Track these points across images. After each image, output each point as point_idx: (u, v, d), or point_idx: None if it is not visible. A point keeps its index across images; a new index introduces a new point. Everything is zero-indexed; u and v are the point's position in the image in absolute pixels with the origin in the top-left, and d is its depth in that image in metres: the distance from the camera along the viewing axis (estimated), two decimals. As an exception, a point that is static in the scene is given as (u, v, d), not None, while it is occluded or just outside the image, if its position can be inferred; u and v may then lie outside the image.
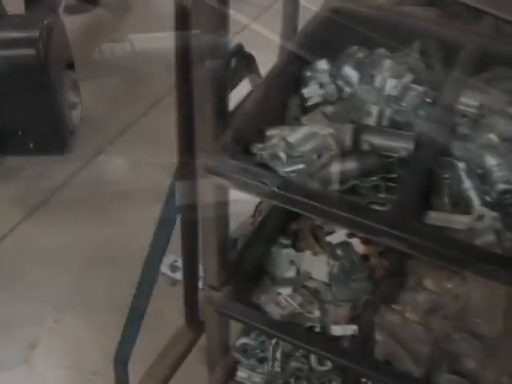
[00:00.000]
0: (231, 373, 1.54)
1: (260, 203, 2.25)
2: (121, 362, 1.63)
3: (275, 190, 1.01)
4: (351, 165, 1.05)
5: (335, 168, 1.06)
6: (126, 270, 2.20)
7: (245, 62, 1.62)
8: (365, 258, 1.38)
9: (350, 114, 1.12)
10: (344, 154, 1.07)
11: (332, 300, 1.34)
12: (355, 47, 1.28)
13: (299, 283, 1.35)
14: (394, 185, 1.06)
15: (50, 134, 2.70)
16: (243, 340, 1.52)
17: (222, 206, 1.25)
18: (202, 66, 1.03)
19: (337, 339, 1.31)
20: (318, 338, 1.29)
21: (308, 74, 1.21)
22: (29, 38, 2.43)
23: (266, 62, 1.59)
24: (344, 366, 1.27)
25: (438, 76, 1.20)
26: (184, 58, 1.15)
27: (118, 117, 2.89)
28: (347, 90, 1.21)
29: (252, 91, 1.17)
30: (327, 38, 1.27)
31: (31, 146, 2.70)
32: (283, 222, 1.43)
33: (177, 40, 1.11)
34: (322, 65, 1.21)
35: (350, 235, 1.41)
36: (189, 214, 1.43)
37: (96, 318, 2.14)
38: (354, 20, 1.29)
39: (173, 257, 1.97)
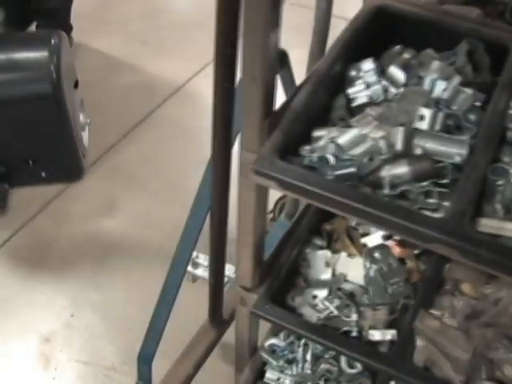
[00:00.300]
0: (259, 374, 1.51)
1: (280, 199, 2.23)
2: (145, 359, 1.61)
3: (326, 194, 0.98)
4: (403, 169, 1.02)
5: (386, 172, 1.03)
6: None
7: (278, 57, 1.59)
8: (400, 260, 1.35)
9: (399, 116, 1.09)
10: (395, 158, 1.04)
11: (368, 303, 1.31)
12: (398, 46, 1.25)
13: (335, 286, 1.32)
14: (445, 190, 1.03)
15: (64, 160, 2.50)
16: (272, 341, 1.50)
17: (261, 206, 1.22)
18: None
19: (374, 344, 1.28)
20: (356, 342, 1.27)
21: (353, 73, 1.18)
22: (39, 58, 2.26)
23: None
24: (382, 371, 1.25)
25: (486, 78, 1.17)
26: (225, 53, 1.13)
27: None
28: (392, 90, 1.17)
29: (298, 90, 1.14)
30: (371, 37, 1.24)
31: (43, 175, 2.49)
32: (317, 223, 1.40)
33: (218, 32, 1.08)
34: (368, 64, 1.18)
35: (386, 237, 1.38)
36: (219, 212, 1.41)
37: (113, 312, 2.11)
38: (398, 18, 1.27)
39: (194, 253, 1.95)
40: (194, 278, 2.01)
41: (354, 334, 1.29)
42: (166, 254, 2.12)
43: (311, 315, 1.32)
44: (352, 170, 1.02)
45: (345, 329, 1.29)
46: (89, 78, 2.70)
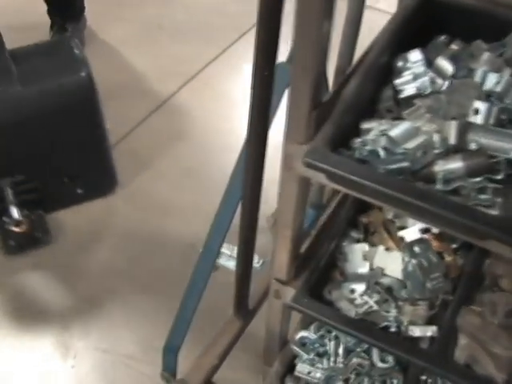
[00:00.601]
0: (289, 367, 1.49)
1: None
2: (171, 349, 1.59)
3: (381, 189, 0.96)
4: (457, 164, 1.00)
5: (439, 167, 1.00)
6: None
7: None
8: (439, 255, 1.33)
9: (449, 109, 1.06)
10: (448, 153, 1.01)
11: (407, 298, 1.29)
12: (444, 37, 1.22)
13: (373, 280, 1.30)
14: (499, 186, 1.00)
15: (100, 173, 2.33)
16: (302, 333, 1.48)
17: (303, 199, 1.20)
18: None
19: (413, 339, 1.26)
20: (395, 338, 1.25)
21: (400, 64, 1.15)
22: (74, 63, 2.12)
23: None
24: (423, 368, 1.23)
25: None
26: (266, 40, 1.10)
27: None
28: (439, 82, 1.14)
29: (345, 80, 1.11)
30: (416, 27, 1.21)
31: (79, 191, 2.29)
32: (353, 215, 1.38)
33: (259, 19, 1.04)
34: (415, 55, 1.15)
35: (423, 231, 1.36)
36: (251, 202, 1.39)
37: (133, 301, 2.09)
38: (444, 7, 1.24)
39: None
40: (216, 267, 1.97)
41: (393, 329, 1.26)
42: (186, 241, 2.12)
43: (349, 309, 1.30)
44: (405, 164, 0.99)
45: (384, 324, 1.26)
46: (103, 62, 2.66)
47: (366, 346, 1.46)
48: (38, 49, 2.16)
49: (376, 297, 1.27)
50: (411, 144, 1.00)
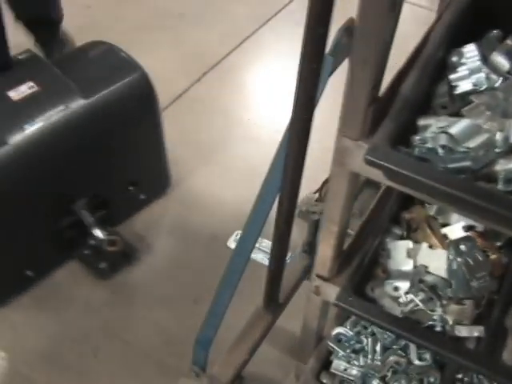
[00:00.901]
0: (324, 364, 1.48)
1: (328, 180, 2.18)
2: (203, 344, 1.57)
3: (443, 188, 0.93)
4: (519, 164, 0.97)
5: (501, 166, 0.98)
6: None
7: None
8: (483, 253, 1.31)
9: (508, 106, 1.04)
10: (509, 152, 0.99)
11: (451, 297, 1.27)
12: (496, 31, 1.19)
13: (417, 277, 1.28)
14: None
15: (157, 174, 2.24)
16: (338, 330, 1.46)
17: (351, 195, 1.18)
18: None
19: (459, 339, 1.24)
20: (441, 337, 1.23)
21: (454, 59, 1.13)
22: (125, 65, 2.01)
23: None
24: (471, 368, 1.21)
25: None
26: (316, 32, 1.08)
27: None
28: (494, 78, 1.12)
29: (399, 75, 1.09)
30: (469, 21, 1.18)
31: (142, 197, 2.18)
32: (396, 211, 1.36)
33: (310, 9, 1.03)
34: (471, 49, 1.12)
35: (467, 228, 1.34)
36: (289, 196, 1.36)
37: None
38: (497, 1, 1.21)
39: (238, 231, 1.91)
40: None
41: (438, 328, 1.25)
42: (210, 232, 2.10)
43: (392, 307, 1.28)
44: (467, 163, 0.97)
45: (429, 323, 1.24)
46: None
47: (403, 343, 1.44)
48: (78, 55, 2.06)
49: (421, 295, 1.25)
50: (473, 142, 0.98)
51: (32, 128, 1.75)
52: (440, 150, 1.00)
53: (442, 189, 0.93)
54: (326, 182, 2.19)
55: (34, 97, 1.79)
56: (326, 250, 1.25)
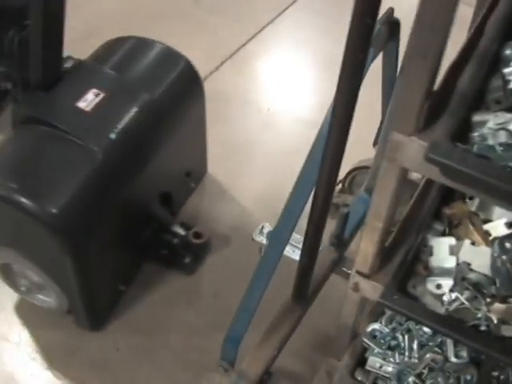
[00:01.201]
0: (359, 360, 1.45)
1: (352, 170, 2.15)
2: (233, 340, 1.55)
3: (506, 186, 0.90)
4: None
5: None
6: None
7: (390, 28, 1.50)
8: (525, 250, 1.28)
9: None
10: None
11: (494, 295, 1.24)
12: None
13: (459, 275, 1.25)
14: None
15: (200, 162, 2.25)
16: (374, 326, 1.43)
17: (399, 191, 1.15)
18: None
19: (505, 339, 1.22)
20: (487, 337, 1.20)
21: (508, 52, 1.09)
22: (170, 56, 1.99)
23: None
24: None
25: None
26: (364, 23, 1.05)
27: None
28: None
29: (452, 69, 1.05)
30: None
31: (192, 186, 2.20)
32: (437, 206, 1.33)
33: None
34: (524, 43, 1.09)
35: (510, 225, 1.31)
36: (325, 191, 1.34)
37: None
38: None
39: (268, 225, 1.88)
40: (261, 249, 1.92)
41: (483, 327, 1.22)
42: (232, 224, 2.07)
43: (434, 305, 1.25)
44: (528, 161, 0.93)
45: (474, 322, 1.21)
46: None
47: (439, 340, 1.42)
48: (120, 53, 1.99)
49: (466, 293, 1.22)
50: (533, 139, 0.94)
51: (117, 136, 1.70)
52: (498, 147, 0.97)
53: (506, 188, 0.90)
54: (349, 173, 2.17)
55: (105, 104, 1.74)
56: (368, 247, 1.22)
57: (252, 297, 1.51)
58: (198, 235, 1.97)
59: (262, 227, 1.88)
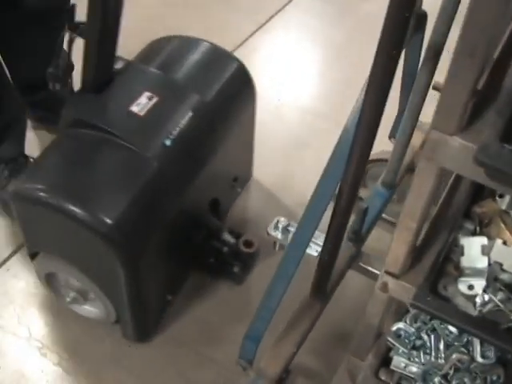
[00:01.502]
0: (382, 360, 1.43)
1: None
2: (253, 338, 1.52)
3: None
4: None
5: None
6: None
7: (418, 21, 1.47)
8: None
9: None
10: None
11: (528, 296, 1.22)
12: None
13: (492, 275, 1.22)
14: None
15: (245, 166, 2.18)
16: (399, 325, 1.41)
17: (435, 192, 1.12)
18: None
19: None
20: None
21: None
22: (221, 57, 1.93)
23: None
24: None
25: None
26: (400, 16, 1.01)
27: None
28: None
29: (497, 66, 1.02)
30: None
31: (239, 190, 2.13)
32: (467, 204, 1.30)
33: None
34: None
35: (542, 224, 1.28)
36: (351, 186, 1.31)
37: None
38: None
39: (283, 219, 1.84)
40: (281, 247, 1.89)
41: (517, 330, 1.20)
42: (246, 217, 2.04)
43: (466, 306, 1.23)
44: None
45: (509, 324, 1.19)
46: (145, 26, 2.54)
47: (465, 339, 1.39)
48: (174, 55, 1.92)
49: (500, 295, 1.19)
50: None
51: (171, 142, 1.62)
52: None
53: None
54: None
55: (158, 108, 1.66)
56: (400, 247, 1.19)
57: (273, 295, 1.48)
58: (248, 243, 1.91)
59: (278, 222, 1.84)
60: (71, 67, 1.66)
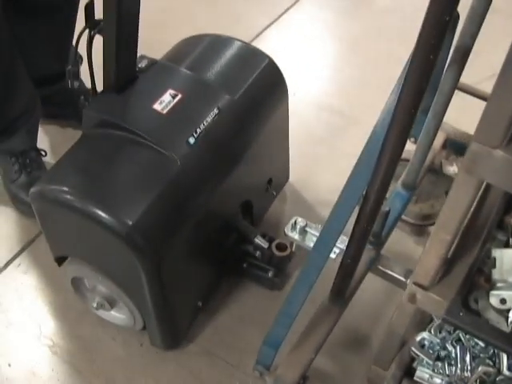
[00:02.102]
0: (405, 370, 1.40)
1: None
2: (272, 344, 1.49)
3: None
4: None
5: None
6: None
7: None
8: None
9: None
10: None
11: (562, 312, 1.18)
12: None
13: (524, 289, 1.19)
14: None
15: (285, 168, 2.12)
16: (423, 335, 1.38)
17: (471, 205, 1.08)
18: None
19: None
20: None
21: None
22: (252, 54, 1.87)
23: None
24: None
25: None
26: (442, 20, 0.97)
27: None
28: None
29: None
30: None
31: (274, 193, 2.04)
32: (500, 215, 1.26)
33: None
34: None
35: None
36: (379, 192, 1.27)
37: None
38: None
39: (301, 220, 1.81)
40: (298, 248, 1.86)
41: (551, 345, 1.16)
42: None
43: (498, 321, 1.19)
44: None
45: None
46: (155, 20, 2.50)
47: (491, 352, 1.36)
48: (202, 53, 1.85)
49: (535, 310, 1.16)
50: None
51: (196, 141, 1.56)
52: None
53: None
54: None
55: (182, 106, 1.60)
56: (432, 259, 1.15)
57: (294, 301, 1.46)
58: (281, 247, 1.84)
59: (295, 222, 1.81)
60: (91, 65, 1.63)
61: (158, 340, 1.74)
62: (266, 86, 1.82)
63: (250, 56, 1.85)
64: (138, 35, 1.58)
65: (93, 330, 1.85)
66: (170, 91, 1.63)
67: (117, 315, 1.80)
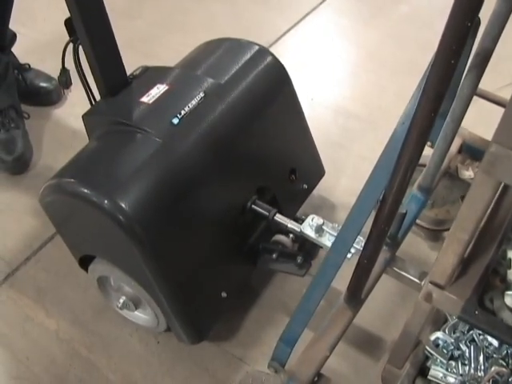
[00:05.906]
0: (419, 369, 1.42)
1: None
2: (288, 341, 1.51)
3: None
4: None
5: None
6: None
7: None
8: None
9: None
10: None
11: None
12: None
13: (540, 290, 1.21)
14: None
15: (311, 161, 2.08)
16: (438, 335, 1.40)
17: (489, 205, 1.10)
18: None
19: None
20: None
21: None
22: (253, 50, 1.88)
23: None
24: None
25: None
26: (463, 26, 0.99)
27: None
28: None
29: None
30: None
31: (305, 186, 2.01)
32: (514, 216, 1.28)
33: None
34: None
35: None
36: (396, 194, 1.30)
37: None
38: None
39: (317, 218, 1.83)
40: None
41: None
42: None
43: (512, 321, 1.20)
44: None
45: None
46: (177, 20, 2.53)
47: (504, 352, 1.38)
48: (205, 51, 1.92)
49: (551, 311, 1.18)
50: None
51: (179, 121, 1.60)
52: None
53: None
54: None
55: (168, 94, 1.66)
56: (448, 258, 1.17)
57: (312, 299, 1.48)
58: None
59: (312, 219, 1.82)
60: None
61: (181, 336, 1.74)
62: (256, 68, 1.84)
63: (241, 48, 1.90)
64: (116, 45, 1.64)
65: (110, 327, 1.88)
66: (158, 85, 1.70)
67: (140, 315, 1.82)
